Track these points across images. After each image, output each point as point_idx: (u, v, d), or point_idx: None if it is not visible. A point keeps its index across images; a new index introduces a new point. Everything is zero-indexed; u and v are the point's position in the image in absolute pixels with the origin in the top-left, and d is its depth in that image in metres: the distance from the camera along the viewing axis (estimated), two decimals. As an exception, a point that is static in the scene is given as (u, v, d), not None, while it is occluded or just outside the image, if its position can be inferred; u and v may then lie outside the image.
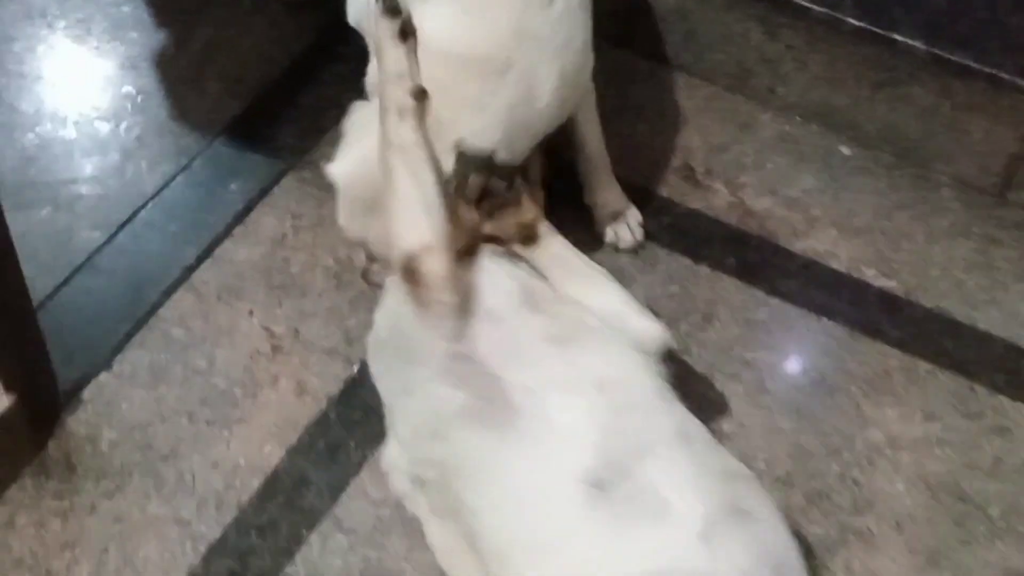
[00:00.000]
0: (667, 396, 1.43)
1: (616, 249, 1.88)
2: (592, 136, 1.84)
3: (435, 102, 1.42)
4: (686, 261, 1.91)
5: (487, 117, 1.55)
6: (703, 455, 1.37)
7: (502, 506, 1.32)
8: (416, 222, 1.37)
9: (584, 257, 1.59)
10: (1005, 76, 1.89)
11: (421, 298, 1.37)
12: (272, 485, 1.63)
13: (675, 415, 1.41)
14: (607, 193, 1.88)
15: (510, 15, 1.56)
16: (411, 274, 1.37)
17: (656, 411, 1.39)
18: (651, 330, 1.50)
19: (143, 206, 1.88)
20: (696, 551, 1.26)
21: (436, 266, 1.36)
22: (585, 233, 1.86)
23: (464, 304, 1.40)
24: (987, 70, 1.89)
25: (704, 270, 1.90)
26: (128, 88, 2.03)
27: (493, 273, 1.45)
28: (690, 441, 1.37)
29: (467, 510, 1.35)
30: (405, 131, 1.39)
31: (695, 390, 1.76)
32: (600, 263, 1.64)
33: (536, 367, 1.38)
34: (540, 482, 1.31)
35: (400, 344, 1.43)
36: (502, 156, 1.56)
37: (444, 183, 1.44)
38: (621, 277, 1.82)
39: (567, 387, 1.37)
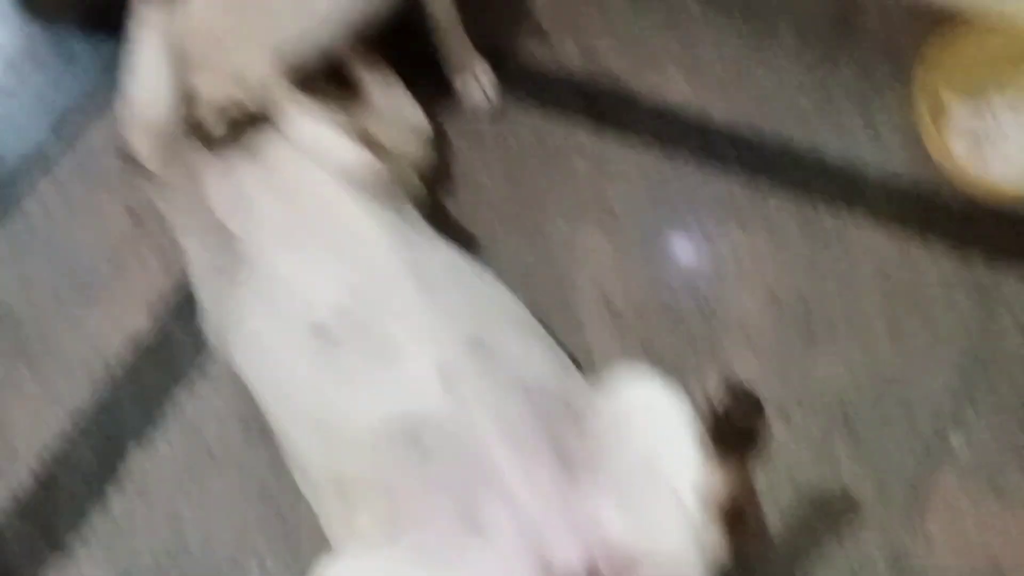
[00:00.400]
0: (412, 238, 1.49)
1: (474, 109, 1.93)
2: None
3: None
4: (537, 111, 1.96)
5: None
6: (445, 296, 1.41)
7: (249, 355, 1.40)
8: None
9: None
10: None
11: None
12: (139, 347, 1.69)
13: (413, 257, 1.45)
14: (461, 52, 1.92)
15: None
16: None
17: (394, 261, 1.44)
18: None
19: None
20: (434, 389, 1.31)
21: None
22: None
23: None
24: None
25: (554, 114, 1.95)
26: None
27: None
28: (431, 287, 1.41)
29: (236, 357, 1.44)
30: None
31: (550, 227, 1.83)
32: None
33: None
34: (275, 332, 1.39)
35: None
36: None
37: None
38: (476, 135, 1.89)
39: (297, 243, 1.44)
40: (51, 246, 1.78)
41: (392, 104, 1.74)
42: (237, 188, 1.50)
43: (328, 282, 1.42)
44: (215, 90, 1.55)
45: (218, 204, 1.50)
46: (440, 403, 1.31)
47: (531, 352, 1.44)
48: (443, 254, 1.53)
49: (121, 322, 1.71)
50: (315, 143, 1.53)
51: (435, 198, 1.80)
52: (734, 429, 1.21)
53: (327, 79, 1.67)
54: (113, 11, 1.57)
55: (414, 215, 1.61)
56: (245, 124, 1.56)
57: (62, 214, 1.81)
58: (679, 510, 1.24)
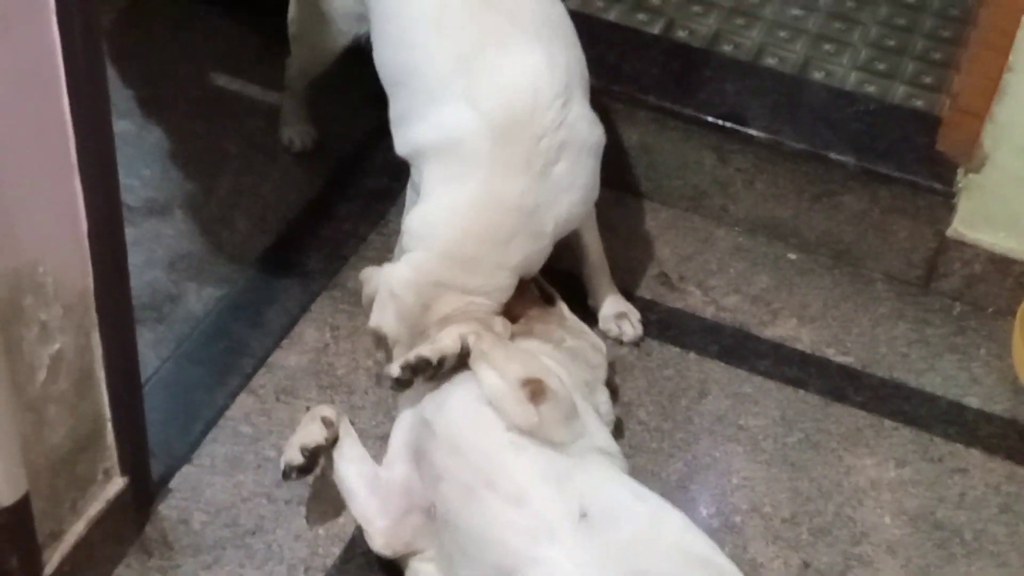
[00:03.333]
0: (576, 479, 1.64)
1: (620, 343, 2.17)
2: (593, 247, 2.14)
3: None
4: (675, 349, 2.20)
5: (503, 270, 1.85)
6: (604, 540, 1.56)
7: None
8: None
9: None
10: (921, 182, 2.27)
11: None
12: (351, 549, 1.82)
13: (573, 503, 1.60)
14: (610, 296, 2.17)
15: (512, 208, 1.81)
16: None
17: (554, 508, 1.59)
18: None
19: (197, 327, 2.09)
20: None
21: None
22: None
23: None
24: (907, 177, 2.28)
25: (692, 356, 2.19)
26: (166, 228, 2.26)
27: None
28: (590, 533, 1.57)
29: None
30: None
31: (701, 452, 2.04)
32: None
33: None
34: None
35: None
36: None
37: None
38: (623, 366, 2.13)
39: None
40: (257, 453, 1.93)
41: (573, 318, 1.97)
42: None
43: (504, 531, 1.59)
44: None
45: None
46: None
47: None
48: (609, 488, 1.67)
49: (328, 524, 1.85)
50: (494, 396, 1.72)
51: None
52: None
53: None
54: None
55: (589, 446, 1.76)
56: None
57: (263, 422, 1.97)
58: None
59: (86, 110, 1.41)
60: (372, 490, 1.74)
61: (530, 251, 1.87)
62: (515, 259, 1.84)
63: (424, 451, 1.71)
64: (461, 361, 1.74)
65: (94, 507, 1.67)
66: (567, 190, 1.88)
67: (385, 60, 1.98)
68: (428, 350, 1.72)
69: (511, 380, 1.67)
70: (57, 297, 1.49)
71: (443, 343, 1.72)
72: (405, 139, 1.92)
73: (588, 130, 1.90)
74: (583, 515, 1.57)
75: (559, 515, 1.57)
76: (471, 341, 1.72)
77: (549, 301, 1.98)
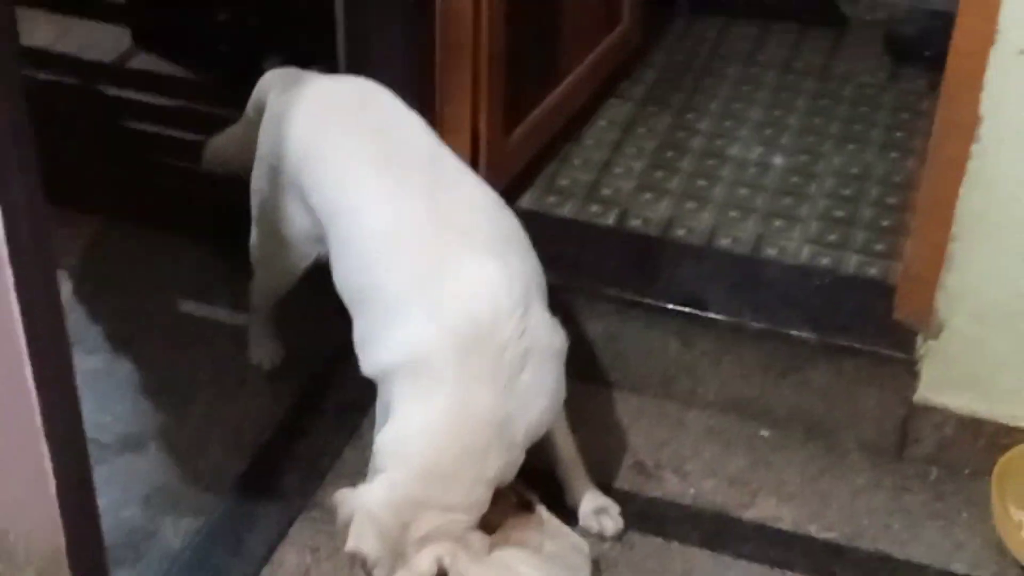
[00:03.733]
0: None
1: (602, 538, 2.16)
2: (566, 445, 2.15)
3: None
4: (657, 540, 2.19)
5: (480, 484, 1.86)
6: None
7: None
8: None
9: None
10: (883, 351, 2.31)
11: None
12: None
13: None
14: (587, 492, 2.18)
15: (483, 421, 1.83)
16: None
17: None
18: None
19: (176, 562, 2.07)
20: None
21: None
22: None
23: None
24: (868, 348, 2.31)
25: (675, 545, 2.18)
26: (140, 462, 2.26)
27: None
28: None
29: None
30: None
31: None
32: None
33: None
34: None
35: None
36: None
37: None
38: (606, 561, 2.12)
39: None
40: None
41: (552, 520, 1.97)
42: None
43: None
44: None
45: None
46: None
47: None
48: None
49: None
50: None
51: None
52: None
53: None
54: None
55: None
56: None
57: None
58: None
59: (50, 374, 1.43)
60: None
61: (505, 462, 1.88)
62: (491, 472, 1.85)
63: None
64: None
65: None
66: (535, 397, 1.90)
67: (345, 281, 2.02)
68: None
69: None
70: (29, 561, 1.49)
71: (420, 568, 1.72)
72: (370, 360, 1.95)
73: (549, 336, 1.93)
74: None
75: None
76: (447, 563, 1.72)
77: (527, 507, 1.98)
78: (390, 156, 2.01)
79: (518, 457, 1.91)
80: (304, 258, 2.21)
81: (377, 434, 1.95)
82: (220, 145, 2.46)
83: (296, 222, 2.15)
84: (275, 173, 2.15)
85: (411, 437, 1.85)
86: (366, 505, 1.83)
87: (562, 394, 1.99)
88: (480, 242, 1.92)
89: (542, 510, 1.99)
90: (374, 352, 1.93)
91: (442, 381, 1.84)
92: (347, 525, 1.86)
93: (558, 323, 1.99)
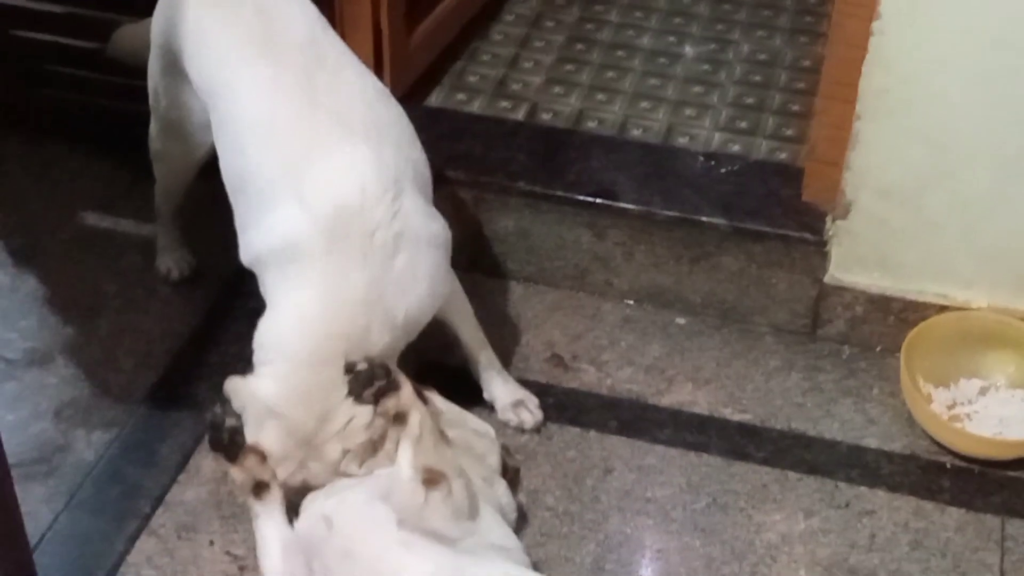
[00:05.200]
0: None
1: (522, 431, 2.17)
2: (474, 341, 2.15)
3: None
4: (576, 430, 2.20)
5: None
6: None
7: None
8: None
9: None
10: (792, 234, 2.32)
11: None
12: None
13: None
14: (503, 386, 2.17)
15: (358, 302, 1.82)
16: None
17: None
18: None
19: (89, 474, 2.05)
20: None
21: None
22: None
23: None
24: (778, 232, 2.32)
25: (592, 434, 2.19)
26: (48, 377, 2.22)
27: None
28: None
29: None
30: None
31: (612, 530, 2.03)
32: (507, 441, 2.05)
33: None
34: None
35: None
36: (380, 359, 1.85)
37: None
38: (526, 453, 2.12)
39: None
40: (164, 596, 1.89)
41: (451, 409, 1.96)
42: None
43: None
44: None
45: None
46: None
47: None
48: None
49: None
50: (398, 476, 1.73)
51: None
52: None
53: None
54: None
55: (484, 543, 1.76)
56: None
57: (167, 563, 1.93)
58: None
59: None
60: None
61: (389, 342, 1.86)
62: (377, 349, 1.84)
63: (318, 550, 1.70)
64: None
65: None
66: (412, 282, 1.88)
67: (225, 167, 1.99)
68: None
69: (417, 465, 1.67)
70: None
71: (404, 474, 1.72)
72: (245, 248, 1.93)
73: (425, 223, 1.92)
74: None
75: None
76: (414, 420, 1.72)
77: (420, 398, 1.96)
78: (271, 38, 1.95)
79: (401, 339, 1.90)
80: (199, 147, 2.15)
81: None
82: (128, 34, 2.40)
83: (188, 108, 2.10)
84: (167, 58, 2.10)
85: (288, 326, 1.83)
86: (264, 400, 1.81)
87: (444, 285, 1.98)
88: (352, 128, 1.89)
89: (437, 399, 1.96)
90: (248, 240, 1.91)
91: (312, 266, 1.82)
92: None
93: (438, 215, 1.98)
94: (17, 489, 1.67)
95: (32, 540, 1.82)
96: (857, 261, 2.28)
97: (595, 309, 2.44)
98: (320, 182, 1.84)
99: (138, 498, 2.02)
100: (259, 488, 1.78)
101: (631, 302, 2.45)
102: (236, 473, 1.79)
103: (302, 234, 1.82)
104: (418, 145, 2.00)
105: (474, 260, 2.48)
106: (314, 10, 2.05)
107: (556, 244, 2.44)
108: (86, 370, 2.25)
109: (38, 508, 1.99)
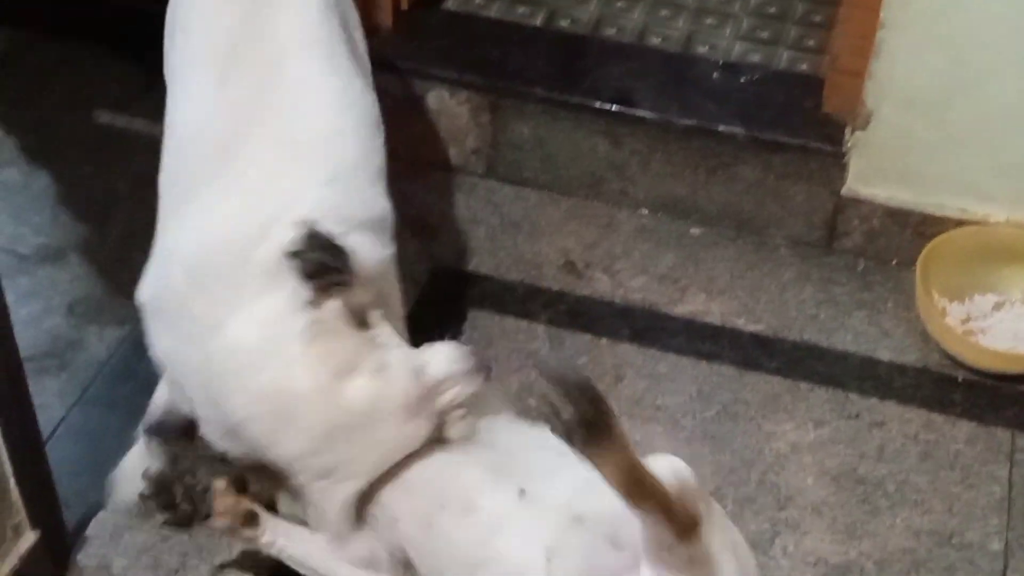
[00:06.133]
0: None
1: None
2: None
3: None
4: (587, 337, 2.20)
5: None
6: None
7: None
8: None
9: None
10: (811, 144, 2.29)
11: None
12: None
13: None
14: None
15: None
16: None
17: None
18: None
19: (102, 370, 2.06)
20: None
21: None
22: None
23: None
24: (797, 142, 2.30)
25: (604, 342, 2.19)
26: (61, 274, 2.22)
27: None
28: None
29: None
30: None
31: (622, 437, 2.03)
32: (519, 347, 2.09)
33: None
34: None
35: None
36: None
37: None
38: (537, 359, 2.12)
39: None
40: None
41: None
42: None
43: (466, 543, 1.57)
44: None
45: None
46: None
47: None
48: (534, 458, 1.67)
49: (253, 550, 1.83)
50: None
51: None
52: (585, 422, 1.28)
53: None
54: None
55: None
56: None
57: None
58: None
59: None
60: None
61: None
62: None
63: (375, 498, 1.66)
64: None
65: (6, 564, 1.64)
66: None
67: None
68: None
69: None
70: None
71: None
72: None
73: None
74: (522, 492, 1.57)
75: (501, 504, 1.57)
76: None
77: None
78: (238, 46, 1.69)
79: None
80: None
81: None
82: None
83: None
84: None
85: None
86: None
87: None
88: (281, 158, 1.62)
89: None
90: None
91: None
92: None
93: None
94: (30, 383, 1.69)
95: (44, 433, 1.82)
96: (876, 173, 2.25)
97: (610, 218, 2.42)
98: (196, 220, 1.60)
99: (150, 395, 2.02)
100: (248, 519, 1.67)
101: (646, 211, 2.43)
102: (220, 522, 1.66)
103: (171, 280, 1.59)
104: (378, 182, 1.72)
105: (490, 166, 2.46)
106: (319, 19, 1.75)
107: (572, 152, 2.42)
108: (99, 267, 2.25)
109: (51, 402, 2.00)
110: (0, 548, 1.64)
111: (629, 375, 2.14)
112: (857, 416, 2.08)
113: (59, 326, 2.13)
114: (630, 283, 2.30)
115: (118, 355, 2.10)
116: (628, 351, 2.18)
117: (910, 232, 2.27)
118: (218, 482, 1.64)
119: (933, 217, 2.25)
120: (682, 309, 2.26)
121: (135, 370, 2.08)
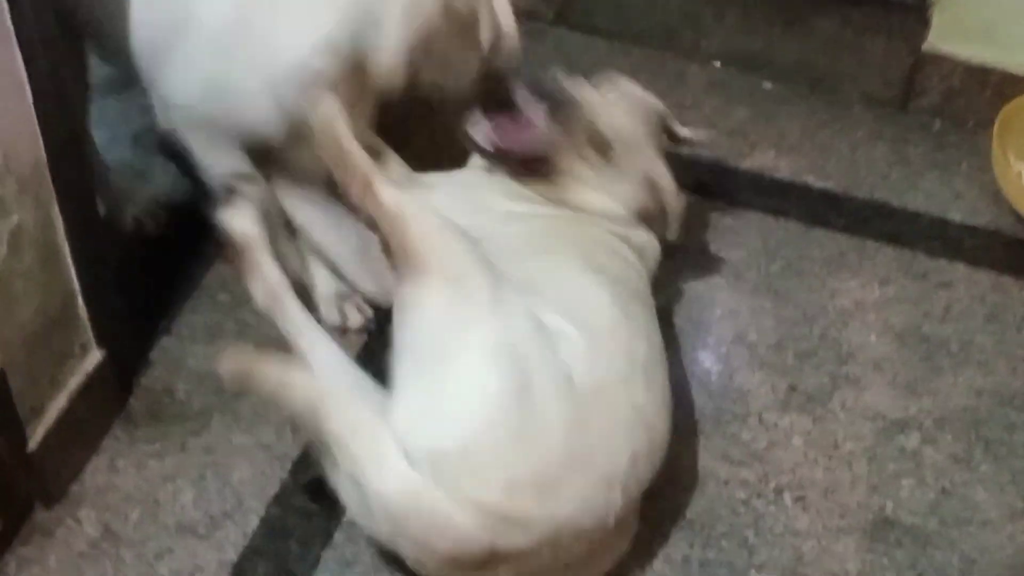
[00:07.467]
0: None
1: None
2: None
3: None
4: (653, 188, 2.17)
5: None
6: None
7: None
8: None
9: None
10: (894, -1, 2.23)
11: None
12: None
13: None
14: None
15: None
16: None
17: None
18: None
19: (167, 201, 2.06)
20: None
21: None
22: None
23: None
24: (877, -6, 2.23)
25: (671, 193, 2.16)
26: (127, 105, 2.22)
27: None
28: None
29: None
30: None
31: (684, 286, 2.02)
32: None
33: None
34: None
35: None
36: None
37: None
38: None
39: None
40: (237, 320, 1.91)
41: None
42: None
43: None
44: None
45: None
46: None
47: None
48: None
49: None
50: None
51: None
52: None
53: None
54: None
55: None
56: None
57: (241, 290, 1.95)
58: None
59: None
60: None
61: None
62: None
63: None
64: None
65: (73, 381, 1.67)
66: None
67: None
68: None
69: None
70: (9, 170, 1.46)
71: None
72: None
73: None
74: None
75: None
76: None
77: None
78: None
79: None
80: None
81: None
82: None
83: None
84: None
85: None
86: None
87: None
88: None
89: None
90: None
91: None
92: None
93: None
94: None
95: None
96: (959, 30, 2.19)
97: (681, 70, 2.38)
98: None
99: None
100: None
101: (718, 64, 2.38)
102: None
103: None
104: None
105: (561, 13, 2.42)
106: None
107: (646, 1, 2.37)
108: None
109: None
110: (67, 365, 1.66)
111: (694, 226, 2.11)
112: (924, 276, 2.05)
113: (125, 155, 2.14)
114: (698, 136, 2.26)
115: (182, 188, 2.10)
116: (693, 202, 2.13)
117: (990, 92, 2.21)
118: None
119: (1015, 77, 2.18)
120: (751, 163, 2.22)
121: (200, 204, 2.08)
